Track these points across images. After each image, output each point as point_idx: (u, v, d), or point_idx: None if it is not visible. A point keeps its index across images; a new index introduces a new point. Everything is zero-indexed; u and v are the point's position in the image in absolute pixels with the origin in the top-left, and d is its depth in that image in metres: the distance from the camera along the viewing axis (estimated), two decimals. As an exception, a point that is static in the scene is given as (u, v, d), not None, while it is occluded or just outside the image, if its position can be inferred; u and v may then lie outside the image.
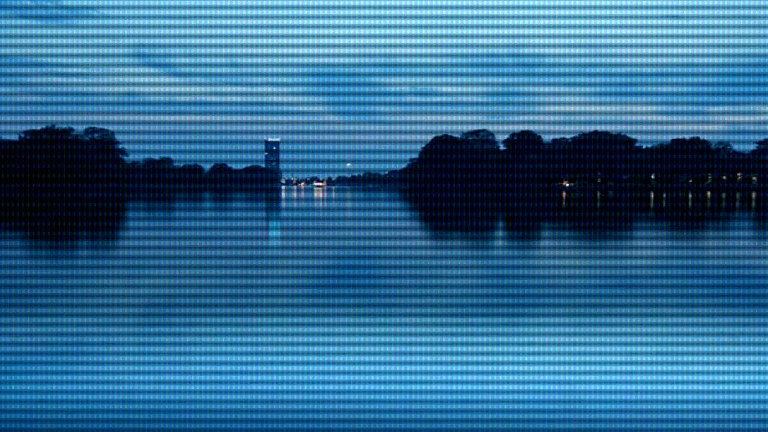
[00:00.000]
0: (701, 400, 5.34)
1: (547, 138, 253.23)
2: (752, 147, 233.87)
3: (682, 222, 29.08)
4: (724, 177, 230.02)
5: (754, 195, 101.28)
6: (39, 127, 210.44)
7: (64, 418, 4.97)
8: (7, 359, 6.55)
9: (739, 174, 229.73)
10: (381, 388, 5.65)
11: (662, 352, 6.80)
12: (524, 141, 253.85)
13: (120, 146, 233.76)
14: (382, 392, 5.53)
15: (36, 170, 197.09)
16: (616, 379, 5.87)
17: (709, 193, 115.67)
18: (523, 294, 10.14)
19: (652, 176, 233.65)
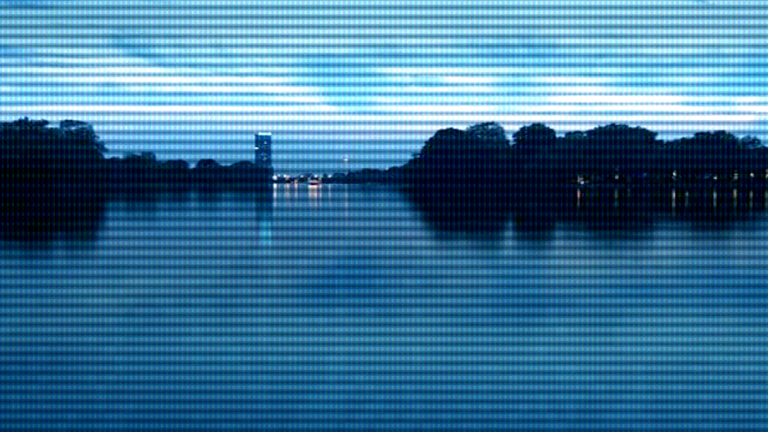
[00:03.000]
0: (722, 400, 5.41)
1: (560, 132, 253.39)
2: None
3: (706, 223, 29.16)
4: (752, 175, 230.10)
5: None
6: (11, 119, 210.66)
7: (37, 418, 5.03)
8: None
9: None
10: (382, 388, 5.71)
11: (681, 352, 6.87)
12: (536, 135, 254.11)
13: (99, 140, 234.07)
14: (383, 392, 5.60)
15: (8, 168, 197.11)
16: (633, 379, 5.94)
17: (735, 192, 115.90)
18: (533, 294, 10.20)
19: (674, 173, 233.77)
